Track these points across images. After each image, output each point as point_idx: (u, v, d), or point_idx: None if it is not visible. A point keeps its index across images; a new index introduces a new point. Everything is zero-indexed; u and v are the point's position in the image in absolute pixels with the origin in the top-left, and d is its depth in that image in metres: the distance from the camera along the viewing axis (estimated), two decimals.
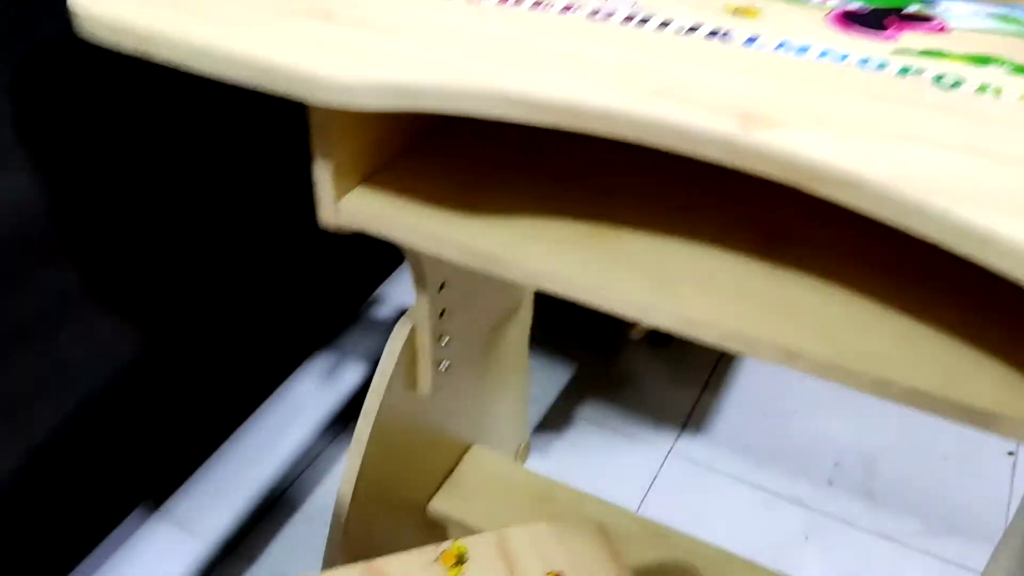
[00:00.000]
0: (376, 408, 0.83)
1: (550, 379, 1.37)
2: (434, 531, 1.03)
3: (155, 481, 1.11)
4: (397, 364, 0.83)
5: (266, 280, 1.13)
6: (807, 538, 1.16)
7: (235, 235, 1.05)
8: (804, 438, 1.30)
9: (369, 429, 0.83)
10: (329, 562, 0.88)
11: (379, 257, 1.42)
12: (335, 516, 0.86)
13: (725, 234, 0.63)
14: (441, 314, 0.84)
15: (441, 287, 0.82)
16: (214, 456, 1.19)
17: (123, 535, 1.09)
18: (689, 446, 1.28)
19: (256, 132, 1.03)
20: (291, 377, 1.29)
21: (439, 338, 0.85)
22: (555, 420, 1.31)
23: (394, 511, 0.95)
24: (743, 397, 1.36)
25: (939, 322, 0.56)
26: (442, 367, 0.87)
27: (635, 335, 1.27)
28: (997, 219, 0.39)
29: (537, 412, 1.31)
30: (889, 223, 0.41)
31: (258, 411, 1.24)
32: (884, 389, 0.53)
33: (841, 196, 0.41)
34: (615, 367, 1.40)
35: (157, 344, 0.99)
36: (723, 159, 0.44)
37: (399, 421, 0.88)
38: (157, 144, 0.90)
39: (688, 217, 0.64)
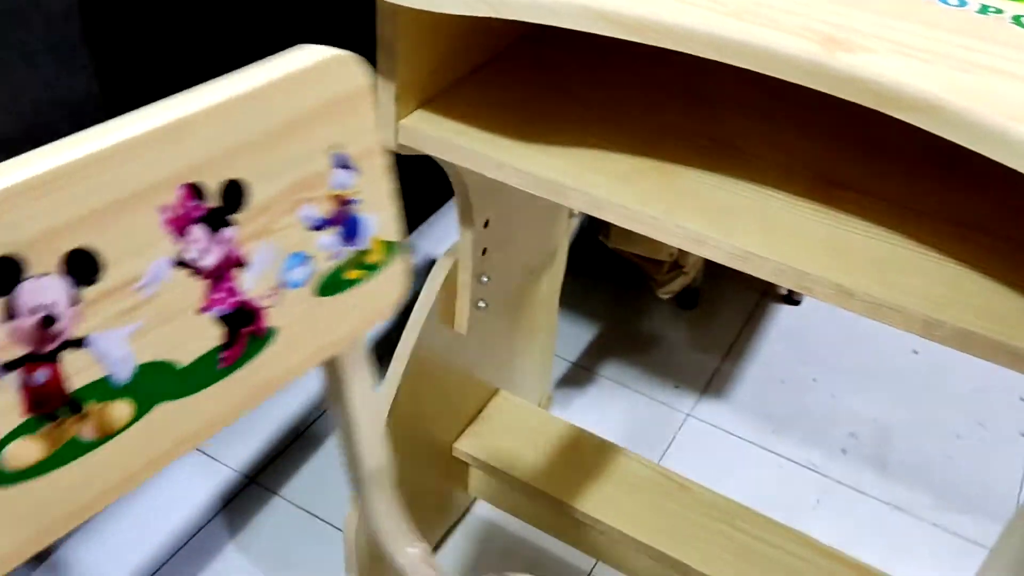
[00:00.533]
0: (414, 340, 0.84)
1: (576, 337, 1.38)
2: (458, 470, 1.04)
3: None
4: (436, 299, 0.84)
5: None
6: (818, 502, 1.18)
7: None
8: (821, 408, 1.32)
9: (406, 360, 0.84)
10: (355, 505, 0.89)
11: (408, 208, 1.43)
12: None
13: (782, 176, 0.63)
14: (483, 252, 0.85)
15: (486, 224, 0.83)
16: None
17: None
18: (708, 409, 1.30)
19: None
20: None
21: (479, 276, 0.86)
22: (578, 376, 1.33)
23: (421, 447, 0.97)
24: (763, 365, 1.38)
25: (989, 268, 0.57)
26: (479, 305, 0.89)
27: (663, 294, 1.28)
28: None
29: (561, 368, 1.33)
30: (966, 145, 0.42)
31: None
32: (934, 329, 0.54)
33: (920, 120, 0.42)
34: (640, 329, 1.41)
35: None
36: (806, 81, 0.45)
37: (433, 357, 0.90)
38: (216, 48, 0.91)
39: (746, 158, 0.65)
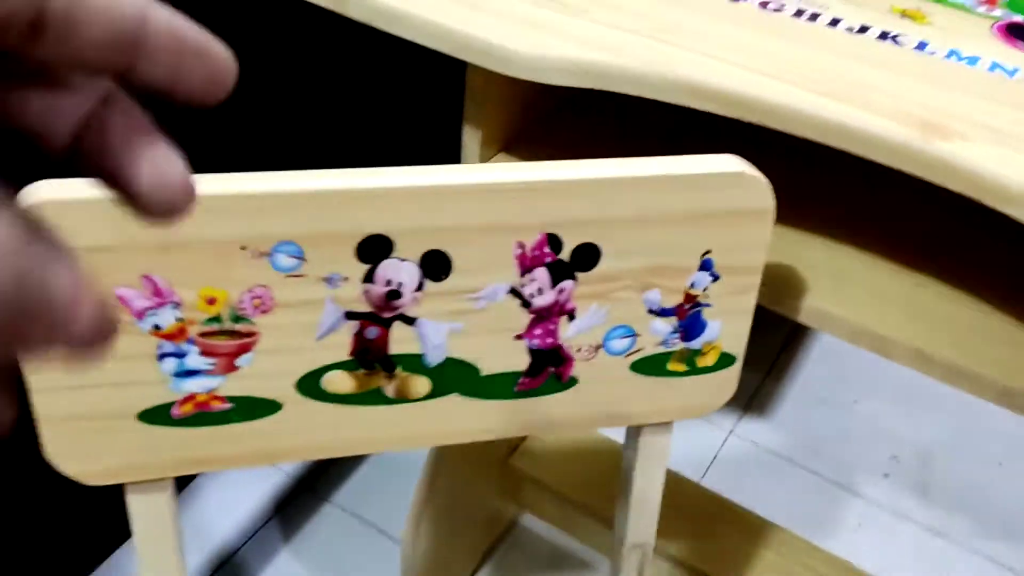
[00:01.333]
0: None
1: None
2: (512, 486, 1.06)
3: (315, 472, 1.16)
4: None
5: None
6: (860, 525, 1.19)
7: None
8: (863, 429, 1.33)
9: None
10: (413, 521, 0.92)
11: None
12: (426, 468, 0.90)
13: (855, 232, 0.64)
14: None
15: None
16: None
17: None
18: (751, 428, 1.31)
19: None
20: None
21: None
22: None
23: (475, 466, 0.99)
24: (805, 385, 1.39)
25: None
26: None
27: None
28: None
29: None
30: None
31: None
32: (1010, 399, 0.55)
33: (1021, 214, 0.43)
34: None
35: None
36: (902, 165, 0.45)
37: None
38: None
39: (817, 212, 0.66)
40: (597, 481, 1.00)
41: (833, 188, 0.69)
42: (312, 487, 1.16)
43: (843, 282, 0.61)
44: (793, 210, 0.65)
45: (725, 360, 0.52)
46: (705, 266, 0.47)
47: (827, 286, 0.60)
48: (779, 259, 0.61)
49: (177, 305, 0.42)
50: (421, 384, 0.48)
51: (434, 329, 0.46)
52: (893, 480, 1.26)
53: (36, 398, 0.41)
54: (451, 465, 0.92)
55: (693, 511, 1.00)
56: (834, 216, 0.66)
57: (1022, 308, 0.59)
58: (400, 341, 0.46)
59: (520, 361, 0.48)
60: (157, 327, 0.42)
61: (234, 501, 1.13)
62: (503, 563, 1.11)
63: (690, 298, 0.48)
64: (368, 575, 1.07)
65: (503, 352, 0.48)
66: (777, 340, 1.45)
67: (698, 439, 1.28)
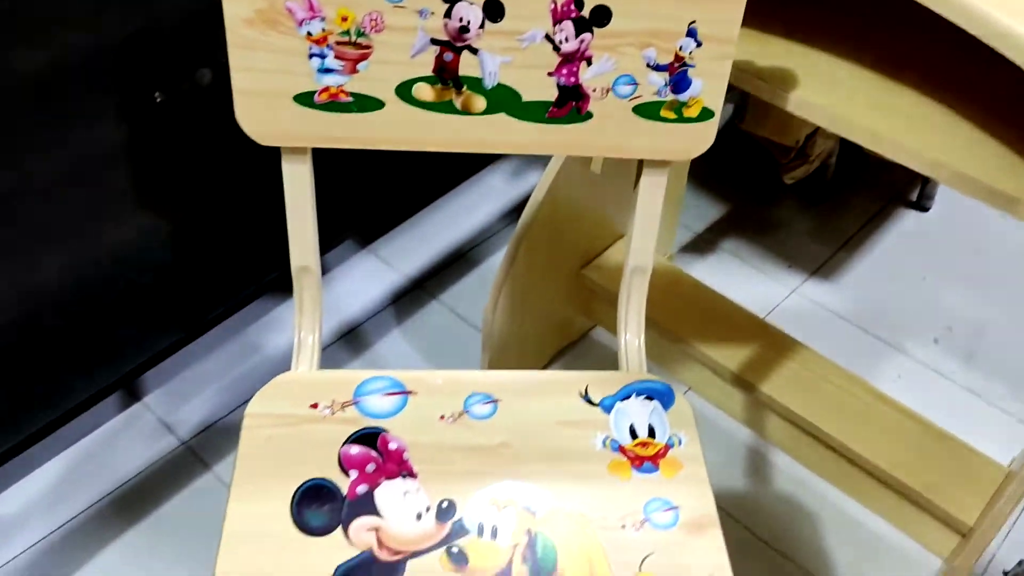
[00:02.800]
0: (555, 169, 1.05)
1: (702, 213, 1.55)
2: (582, 297, 1.26)
3: (364, 224, 1.41)
4: None
5: None
6: (899, 377, 1.32)
7: None
8: (924, 302, 1.44)
9: (547, 185, 1.05)
10: (492, 298, 1.12)
11: None
12: (505, 256, 1.10)
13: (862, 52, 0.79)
14: None
15: None
16: (417, 216, 1.47)
17: (333, 262, 1.40)
18: (814, 289, 1.45)
19: None
20: (485, 170, 1.55)
21: None
22: (698, 246, 1.50)
23: (552, 266, 1.18)
24: (876, 260, 1.50)
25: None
26: None
27: (788, 180, 1.42)
28: None
29: (685, 236, 1.51)
30: None
31: (456, 190, 1.51)
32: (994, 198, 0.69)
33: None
34: (764, 214, 1.56)
35: None
36: None
37: (571, 189, 1.10)
38: None
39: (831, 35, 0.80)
40: (661, 298, 1.18)
41: (852, 22, 0.82)
42: (423, 286, 1.39)
43: (839, 86, 0.76)
44: (811, 30, 0.80)
45: (706, 114, 0.69)
46: (691, 33, 0.65)
47: (821, 87, 0.75)
48: (784, 64, 0.77)
49: (323, 19, 0.63)
50: (480, 102, 0.68)
51: (490, 59, 0.66)
52: (942, 345, 1.37)
53: (234, 75, 0.64)
54: (528, 258, 1.11)
55: (751, 336, 1.16)
56: (845, 39, 0.80)
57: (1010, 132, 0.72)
58: (467, 66, 0.66)
59: (550, 93, 0.67)
60: (309, 33, 0.64)
61: (361, 290, 1.38)
62: (571, 366, 1.32)
63: (679, 58, 0.66)
64: (458, 355, 1.30)
65: (538, 84, 0.67)
66: (858, 219, 1.56)
67: (760, 292, 1.43)
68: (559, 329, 1.29)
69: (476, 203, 1.52)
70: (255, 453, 0.67)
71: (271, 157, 0.69)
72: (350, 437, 0.68)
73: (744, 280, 1.45)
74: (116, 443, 1.18)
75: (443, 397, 0.71)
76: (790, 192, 1.59)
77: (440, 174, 1.49)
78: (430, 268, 1.42)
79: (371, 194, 1.31)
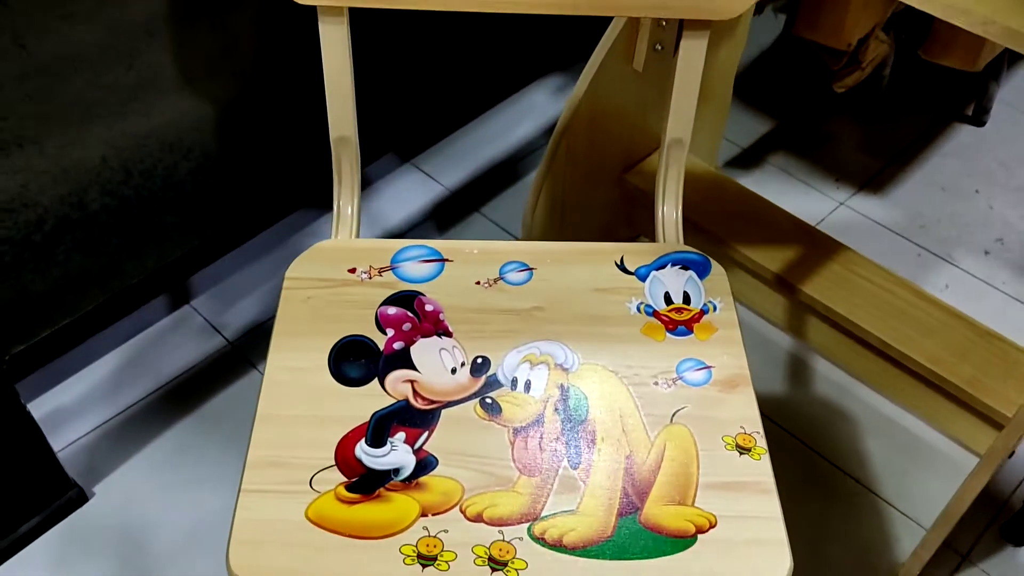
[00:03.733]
0: (597, 64, 1.04)
1: (748, 128, 1.53)
2: (624, 203, 1.25)
3: (407, 139, 1.42)
4: (619, 34, 1.03)
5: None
6: (947, 287, 1.30)
7: None
8: (976, 215, 1.40)
9: (588, 80, 1.05)
10: (532, 198, 1.13)
11: None
12: (545, 155, 1.10)
13: None
14: None
15: None
16: (460, 131, 1.48)
17: (375, 174, 1.41)
18: (863, 203, 1.42)
19: None
20: (529, 87, 1.54)
21: (659, 19, 1.03)
22: (745, 160, 1.48)
23: (591, 168, 1.18)
24: (928, 174, 1.47)
25: None
26: (656, 48, 1.06)
27: (839, 88, 1.39)
28: None
29: (731, 151, 1.49)
30: None
31: (500, 106, 1.51)
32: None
33: None
34: (813, 130, 1.53)
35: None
36: None
37: (613, 87, 1.09)
38: None
39: None
40: (704, 204, 1.17)
41: None
42: (465, 198, 1.40)
43: None
44: None
45: None
46: None
47: None
48: None
49: None
50: None
51: None
52: (993, 257, 1.34)
53: None
54: (568, 157, 1.11)
55: (779, 233, 1.15)
56: None
57: None
58: None
59: None
60: None
61: (403, 201, 1.39)
62: None
63: None
64: None
65: None
66: (908, 134, 1.53)
67: (807, 206, 1.40)
68: (601, 237, 1.29)
69: (519, 119, 1.52)
70: (294, 312, 0.68)
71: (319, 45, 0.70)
72: (387, 299, 0.69)
73: (790, 194, 1.43)
74: (166, 342, 1.22)
75: (479, 265, 0.72)
76: (841, 108, 1.56)
77: (483, 89, 1.49)
78: (472, 181, 1.42)
79: (414, 109, 1.31)
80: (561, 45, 1.51)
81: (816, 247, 1.14)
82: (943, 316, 1.06)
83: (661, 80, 1.16)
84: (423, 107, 1.35)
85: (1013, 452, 1.08)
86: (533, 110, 1.53)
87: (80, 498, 1.05)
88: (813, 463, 1.11)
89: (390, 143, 1.42)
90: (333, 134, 0.73)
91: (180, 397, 1.16)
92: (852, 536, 1.05)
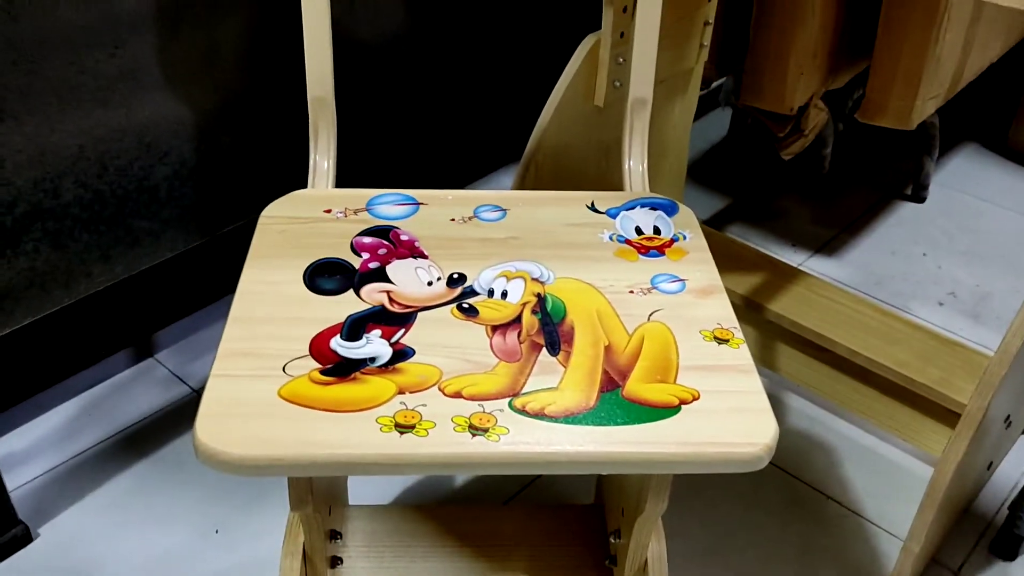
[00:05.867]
0: (558, 100, 1.10)
1: (705, 203, 1.60)
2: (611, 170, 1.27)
3: None
4: (578, 71, 1.10)
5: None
6: None
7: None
8: (927, 274, 1.45)
9: (549, 116, 1.10)
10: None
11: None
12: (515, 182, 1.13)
13: None
14: (621, 35, 1.10)
15: (624, 10, 1.08)
16: None
17: None
18: (819, 264, 1.47)
19: None
20: (494, 173, 1.61)
21: (616, 56, 1.11)
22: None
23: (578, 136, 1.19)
24: (877, 240, 1.53)
25: None
26: (616, 84, 1.13)
27: (785, 155, 1.47)
28: None
29: None
30: None
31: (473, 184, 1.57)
32: None
33: None
34: (766, 205, 1.61)
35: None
36: None
37: (573, 125, 1.14)
38: None
39: None
40: None
41: None
42: None
43: None
44: None
45: None
46: None
47: None
48: None
49: None
50: None
51: None
52: (948, 308, 1.38)
53: None
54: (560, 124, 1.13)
55: (742, 263, 1.19)
56: None
57: None
58: None
59: None
60: None
61: None
62: None
63: None
64: None
65: None
66: (854, 209, 1.60)
67: (767, 268, 1.45)
68: None
69: None
70: (268, 242, 0.69)
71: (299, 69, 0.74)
72: (362, 231, 0.70)
73: (748, 257, 1.47)
74: (127, 391, 1.18)
75: (453, 207, 0.73)
76: (789, 187, 1.64)
77: (448, 176, 1.55)
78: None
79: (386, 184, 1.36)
80: (523, 133, 1.59)
81: (780, 274, 1.17)
82: (906, 328, 1.08)
83: (620, 121, 1.23)
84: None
85: (992, 464, 1.07)
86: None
87: (24, 537, 0.98)
88: (796, 489, 1.09)
89: None
90: (311, 93, 0.76)
91: (138, 442, 1.11)
92: (841, 555, 1.01)
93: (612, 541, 0.78)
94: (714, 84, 1.58)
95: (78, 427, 1.12)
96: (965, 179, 1.70)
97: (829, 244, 1.52)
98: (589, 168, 1.22)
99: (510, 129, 1.56)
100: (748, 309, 1.13)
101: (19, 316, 0.89)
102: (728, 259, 1.20)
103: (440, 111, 1.30)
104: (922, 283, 1.43)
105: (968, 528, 1.05)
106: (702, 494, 1.07)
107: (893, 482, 1.10)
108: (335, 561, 0.80)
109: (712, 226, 1.55)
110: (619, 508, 0.78)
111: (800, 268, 1.45)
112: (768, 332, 1.14)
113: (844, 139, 1.65)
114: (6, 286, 0.86)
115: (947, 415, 1.01)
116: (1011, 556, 1.01)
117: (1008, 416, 0.96)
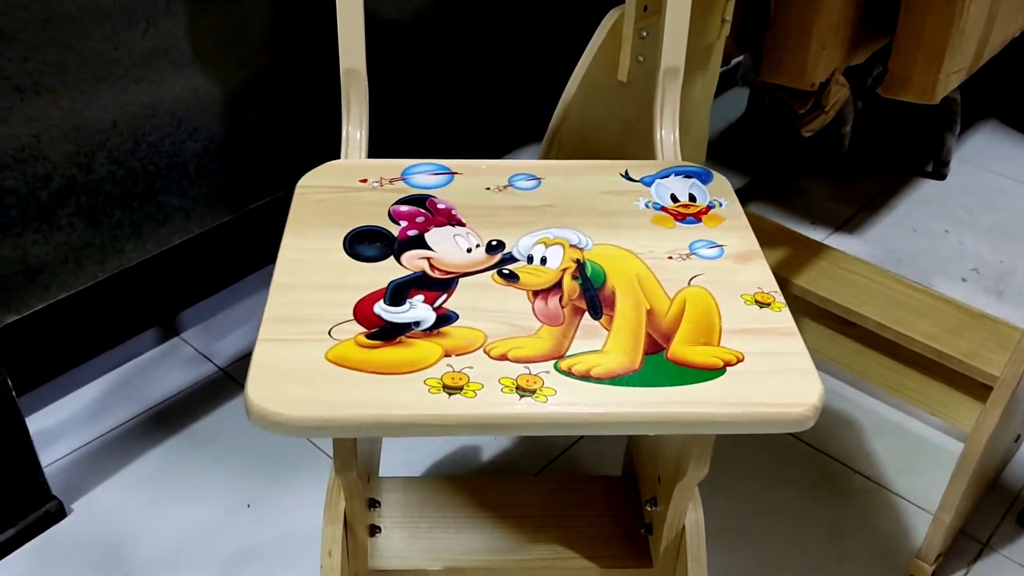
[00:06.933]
0: (581, 76, 1.10)
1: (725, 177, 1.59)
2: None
3: None
4: (601, 47, 1.10)
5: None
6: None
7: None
8: (948, 251, 1.45)
9: (573, 91, 1.10)
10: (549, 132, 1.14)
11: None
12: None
13: None
14: (645, 8, 1.09)
15: None
16: None
17: None
18: (839, 241, 1.47)
19: None
20: (515, 151, 1.61)
21: (640, 31, 1.11)
22: None
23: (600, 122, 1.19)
24: (898, 217, 1.53)
25: None
26: (639, 59, 1.13)
27: (806, 132, 1.47)
28: None
29: None
30: None
31: None
32: None
33: None
34: (785, 184, 1.60)
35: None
36: None
37: (597, 100, 1.14)
38: None
39: None
40: None
41: None
42: None
43: None
44: None
45: None
46: None
47: None
48: None
49: None
50: None
51: None
52: (971, 284, 1.38)
53: None
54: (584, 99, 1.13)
55: (767, 237, 1.18)
56: None
57: None
58: None
59: None
60: None
61: None
62: None
63: None
64: None
65: None
66: (874, 187, 1.60)
67: (786, 246, 1.44)
68: None
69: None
70: (307, 210, 0.69)
71: (333, 37, 0.74)
72: (400, 200, 0.70)
73: (767, 234, 1.47)
74: (155, 369, 1.19)
75: (488, 176, 0.74)
76: (808, 167, 1.63)
77: (474, 149, 1.56)
78: None
79: None
80: (542, 113, 1.59)
81: (804, 249, 1.17)
82: (933, 301, 1.08)
83: (644, 95, 1.23)
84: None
85: (1020, 437, 1.07)
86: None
87: (59, 512, 0.99)
88: (824, 464, 1.09)
89: None
90: (343, 65, 0.76)
91: (166, 419, 1.12)
92: (869, 529, 1.02)
93: (648, 509, 0.78)
94: (733, 61, 1.57)
95: (108, 405, 1.13)
96: (986, 156, 1.70)
97: (849, 222, 1.51)
98: (612, 143, 1.22)
99: (532, 106, 1.56)
100: None
101: (55, 290, 0.89)
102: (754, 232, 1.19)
103: (464, 88, 1.30)
104: (945, 260, 1.43)
105: (996, 500, 1.05)
106: (729, 470, 1.07)
107: (920, 456, 1.10)
108: (373, 530, 0.81)
109: None
110: (655, 476, 0.78)
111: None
112: (793, 307, 1.13)
113: (864, 117, 1.65)
114: (43, 261, 0.87)
115: (976, 388, 1.01)
116: None
117: None
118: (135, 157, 0.89)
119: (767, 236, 1.20)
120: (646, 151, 1.31)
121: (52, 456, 1.06)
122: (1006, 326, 1.04)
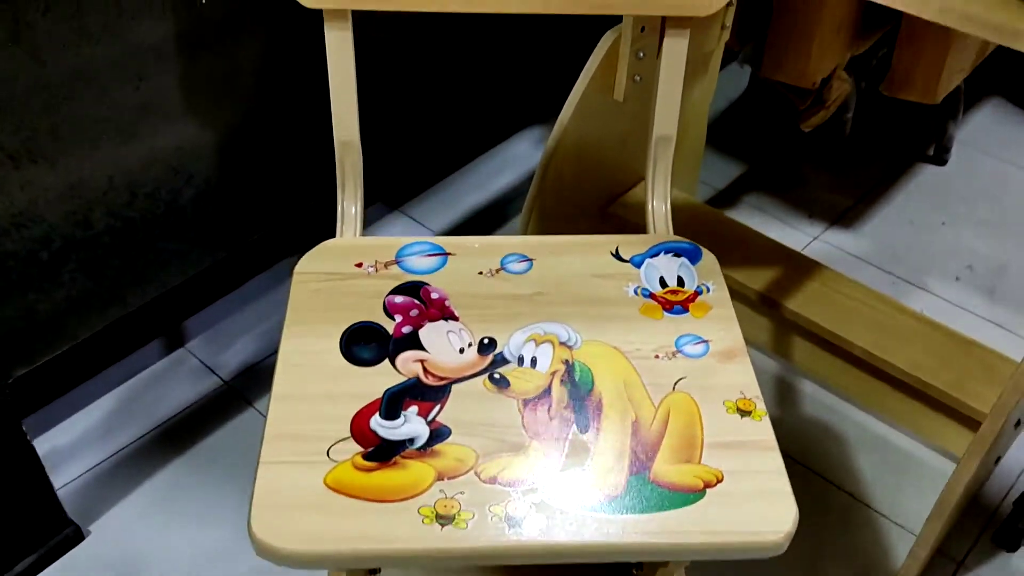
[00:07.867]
0: (579, 94, 1.09)
1: (721, 171, 1.59)
2: (609, 228, 1.29)
3: (395, 188, 1.46)
4: (599, 66, 1.09)
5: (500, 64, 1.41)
6: (922, 310, 1.34)
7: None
8: (944, 245, 1.46)
9: (571, 111, 1.10)
10: (524, 218, 1.16)
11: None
12: (537, 174, 1.14)
13: None
14: (642, 30, 1.08)
15: None
16: (446, 180, 1.53)
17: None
18: (836, 236, 1.47)
19: None
20: (511, 138, 1.60)
21: (637, 51, 1.10)
22: (721, 200, 1.54)
23: (575, 199, 1.21)
24: (895, 209, 1.53)
25: None
26: (636, 79, 1.12)
27: (806, 127, 1.46)
28: None
29: (705, 192, 1.55)
30: None
31: (484, 155, 1.57)
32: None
33: None
34: (783, 172, 1.60)
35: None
36: None
37: (593, 117, 1.14)
38: None
39: None
40: (685, 232, 1.21)
41: None
42: None
43: None
44: None
45: None
46: None
47: None
48: None
49: None
50: None
51: None
52: (964, 283, 1.39)
53: None
54: (557, 187, 1.14)
55: (759, 254, 1.20)
56: None
57: None
58: None
59: None
60: None
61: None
62: None
63: None
64: None
65: None
66: (873, 175, 1.60)
67: (783, 239, 1.44)
68: None
69: (502, 168, 1.57)
70: (305, 302, 0.71)
71: (321, 76, 0.74)
72: (394, 288, 0.72)
73: (766, 229, 1.47)
74: (161, 384, 1.22)
75: (481, 257, 0.75)
76: (808, 153, 1.63)
77: (468, 139, 1.55)
78: (459, 225, 1.46)
79: (402, 158, 1.36)
80: (541, 97, 1.58)
81: (796, 268, 1.18)
82: (922, 327, 1.09)
83: (639, 113, 1.22)
84: (410, 156, 1.40)
85: (999, 458, 1.10)
86: (516, 159, 1.59)
87: (76, 536, 1.03)
88: (807, 479, 1.13)
89: (379, 192, 1.47)
90: (338, 137, 0.76)
91: (175, 437, 1.16)
92: (849, 547, 1.06)
93: (634, 572, 0.82)
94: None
95: (116, 423, 1.17)
96: (988, 138, 1.68)
97: (846, 215, 1.52)
98: (607, 159, 1.22)
99: (527, 94, 1.55)
100: (763, 305, 1.14)
101: (57, 345, 0.92)
102: (744, 250, 1.21)
103: (465, 75, 1.30)
104: (939, 256, 1.44)
105: (972, 519, 1.09)
106: None
107: (904, 472, 1.14)
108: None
109: (728, 195, 1.55)
110: None
111: (817, 240, 1.47)
112: (783, 325, 1.16)
113: (865, 100, 1.63)
114: (46, 318, 0.89)
115: (963, 414, 1.04)
116: (1014, 547, 1.06)
117: (1020, 420, 0.99)
118: (132, 208, 0.90)
119: (763, 253, 1.21)
120: (639, 166, 1.31)
121: (66, 477, 1.11)
122: (992, 354, 1.07)
